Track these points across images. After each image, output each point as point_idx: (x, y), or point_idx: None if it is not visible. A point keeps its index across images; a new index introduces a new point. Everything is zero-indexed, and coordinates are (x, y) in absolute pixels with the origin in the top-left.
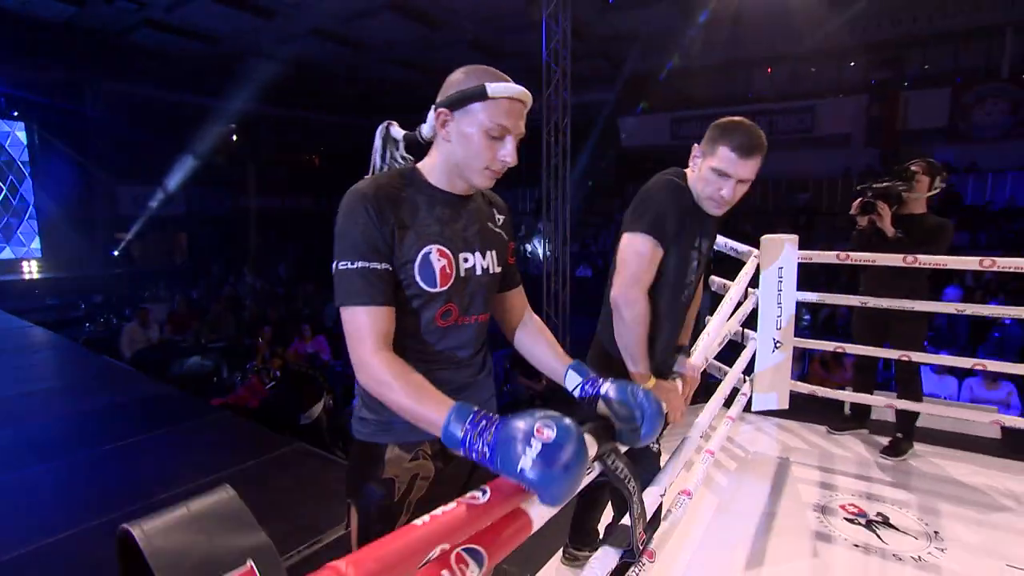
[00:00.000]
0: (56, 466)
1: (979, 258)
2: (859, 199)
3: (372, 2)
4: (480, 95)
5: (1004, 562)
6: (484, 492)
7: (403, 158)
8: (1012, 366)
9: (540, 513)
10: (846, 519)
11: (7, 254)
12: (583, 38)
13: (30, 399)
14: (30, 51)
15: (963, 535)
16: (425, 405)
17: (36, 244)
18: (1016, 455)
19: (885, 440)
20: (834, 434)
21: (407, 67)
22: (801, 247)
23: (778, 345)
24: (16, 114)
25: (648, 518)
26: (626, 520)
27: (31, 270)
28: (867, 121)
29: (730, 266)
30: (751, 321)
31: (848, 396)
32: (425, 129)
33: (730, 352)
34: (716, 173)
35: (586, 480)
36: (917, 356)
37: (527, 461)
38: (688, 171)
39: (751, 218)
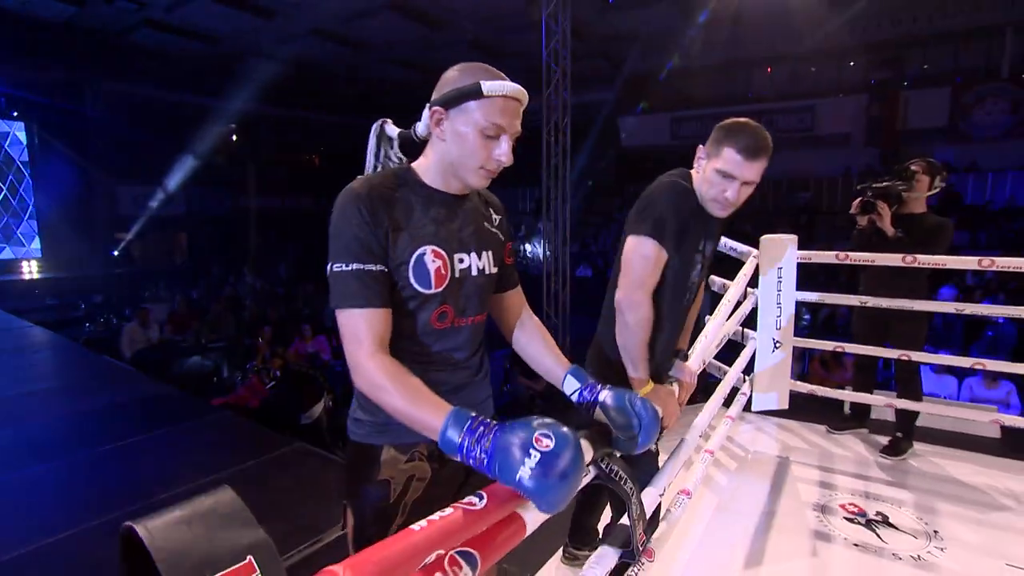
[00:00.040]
0: (56, 466)
1: (978, 258)
2: (859, 199)
3: (372, 2)
4: (475, 93)
5: (1003, 561)
6: (481, 498)
7: (398, 157)
8: (1012, 366)
9: (534, 518)
10: (846, 518)
11: (7, 254)
12: (583, 38)
13: (30, 399)
14: (30, 51)
15: (962, 534)
16: (422, 409)
17: (36, 244)
18: (1016, 454)
19: (885, 439)
20: (834, 433)
21: (407, 67)
22: (801, 247)
23: (778, 345)
24: (16, 114)
25: (647, 518)
26: (625, 520)
27: (31, 270)
28: (867, 121)
29: (730, 266)
30: (751, 321)
31: (848, 396)
32: (420, 128)
33: (730, 352)
34: (721, 175)
35: (583, 482)
36: (917, 355)
37: (526, 471)
38: (692, 172)
39: (751, 218)
